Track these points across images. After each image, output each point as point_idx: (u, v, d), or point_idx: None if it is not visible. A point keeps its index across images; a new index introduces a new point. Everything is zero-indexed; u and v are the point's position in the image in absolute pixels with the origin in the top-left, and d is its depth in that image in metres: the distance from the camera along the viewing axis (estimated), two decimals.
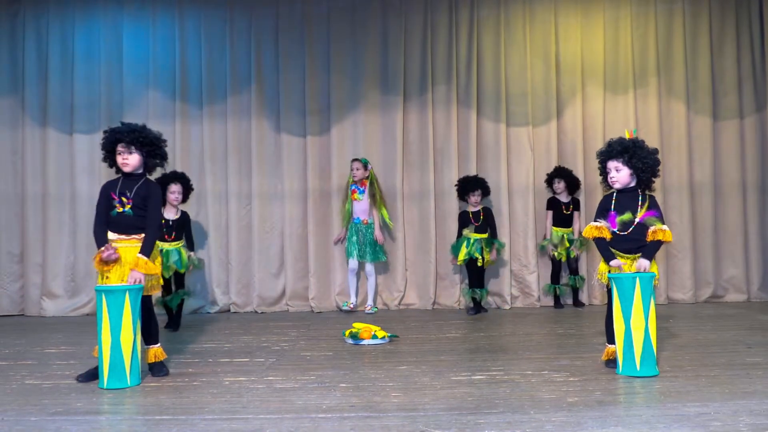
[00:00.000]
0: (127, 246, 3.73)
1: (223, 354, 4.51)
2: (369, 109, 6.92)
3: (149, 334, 3.88)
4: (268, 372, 3.90)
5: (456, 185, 6.58)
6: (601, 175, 3.93)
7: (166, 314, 5.73)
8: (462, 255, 6.31)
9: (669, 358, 4.03)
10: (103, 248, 3.69)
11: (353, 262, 6.57)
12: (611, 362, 3.79)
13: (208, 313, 6.67)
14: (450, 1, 6.99)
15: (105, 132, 3.86)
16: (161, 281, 3.91)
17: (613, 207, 3.82)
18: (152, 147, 3.80)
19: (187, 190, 5.79)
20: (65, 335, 5.46)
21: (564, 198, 6.70)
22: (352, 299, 6.62)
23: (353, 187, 6.59)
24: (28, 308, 6.78)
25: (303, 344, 4.86)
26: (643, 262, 3.69)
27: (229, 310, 6.81)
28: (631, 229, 3.75)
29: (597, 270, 4.01)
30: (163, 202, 5.48)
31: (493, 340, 4.94)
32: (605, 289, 3.96)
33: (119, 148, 3.78)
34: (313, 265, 6.80)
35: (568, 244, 6.59)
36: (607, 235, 3.78)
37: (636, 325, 3.55)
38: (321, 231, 6.84)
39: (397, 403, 3.14)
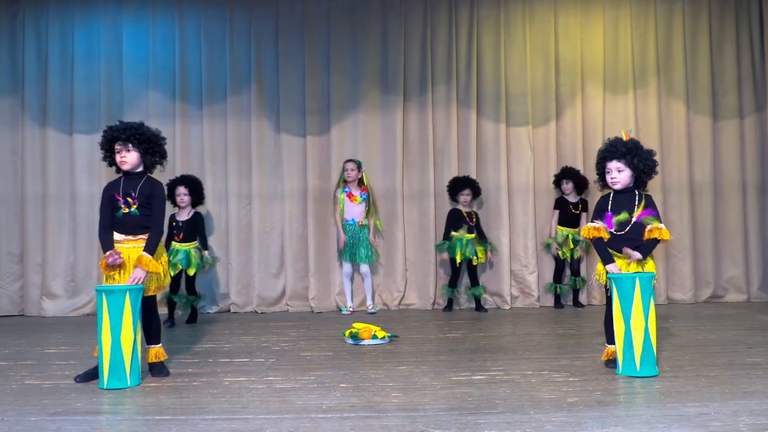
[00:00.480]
0: (134, 246, 3.73)
1: (223, 354, 4.51)
2: (369, 109, 6.92)
3: (151, 334, 3.88)
4: (268, 372, 3.90)
5: (447, 185, 6.67)
6: (598, 174, 3.93)
7: (167, 310, 5.97)
8: (459, 256, 6.42)
9: (669, 358, 4.04)
10: (107, 253, 3.69)
11: (348, 266, 6.57)
12: (611, 362, 3.79)
13: (208, 313, 6.67)
14: (450, 1, 6.99)
15: (104, 131, 3.85)
16: (167, 280, 3.89)
17: (610, 207, 3.82)
18: (150, 144, 3.78)
19: (196, 192, 6.01)
20: (65, 335, 5.46)
21: (572, 198, 6.71)
22: (349, 303, 6.61)
23: (348, 190, 6.57)
24: (28, 308, 6.78)
25: (303, 344, 4.86)
26: (637, 254, 3.68)
27: (229, 310, 6.81)
28: (628, 228, 3.75)
29: (595, 270, 4.01)
30: (174, 203, 5.88)
31: (493, 340, 4.94)
32: (603, 290, 3.95)
33: (117, 146, 3.76)
34: (313, 265, 6.80)
35: (573, 245, 6.59)
36: (605, 236, 3.79)
37: (636, 325, 3.55)
38: (321, 231, 6.84)
39: (397, 403, 3.13)
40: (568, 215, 6.68)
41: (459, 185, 6.57)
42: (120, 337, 3.49)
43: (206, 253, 6.04)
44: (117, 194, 3.76)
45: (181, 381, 3.69)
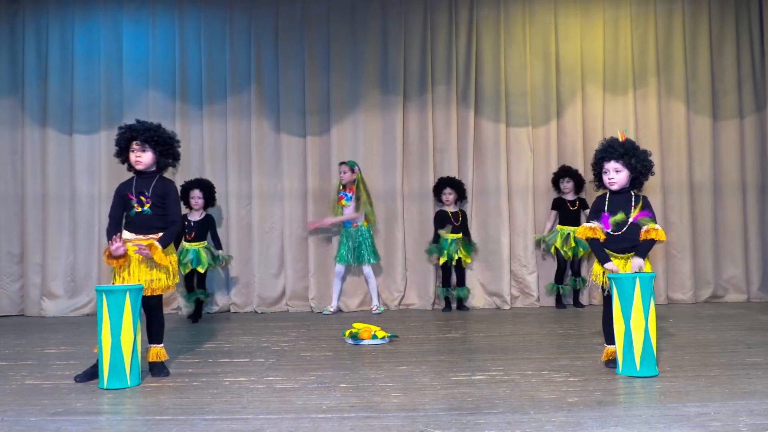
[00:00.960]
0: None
1: (223, 354, 4.51)
2: (369, 109, 6.92)
3: (153, 333, 3.89)
4: (268, 372, 3.90)
5: (432, 187, 6.77)
6: (594, 174, 3.93)
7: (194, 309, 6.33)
8: (444, 257, 6.52)
9: (669, 358, 4.04)
10: (110, 241, 3.68)
11: (340, 267, 6.57)
12: (611, 362, 3.80)
13: (208, 313, 6.67)
14: (450, 1, 6.99)
15: (120, 128, 3.86)
16: (176, 280, 3.88)
17: (606, 208, 3.82)
18: (166, 146, 3.81)
19: (210, 196, 6.34)
20: (65, 335, 5.46)
21: (570, 197, 6.73)
22: (334, 303, 6.61)
23: (341, 194, 6.58)
24: (28, 308, 6.79)
25: (303, 344, 4.86)
26: (637, 261, 3.69)
27: (229, 310, 6.81)
28: (624, 229, 3.75)
29: (592, 271, 4.01)
30: (187, 205, 6.15)
31: (493, 340, 4.94)
32: (600, 290, 3.95)
33: (134, 145, 3.78)
34: (313, 266, 6.80)
35: (573, 244, 6.59)
36: (601, 236, 3.79)
37: (636, 325, 3.55)
38: (321, 231, 6.83)
39: (397, 403, 3.14)
40: (567, 214, 6.69)
41: (441, 185, 6.67)
42: (120, 337, 3.49)
43: (221, 251, 6.33)
44: (130, 193, 3.77)
45: (181, 381, 3.69)
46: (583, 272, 6.78)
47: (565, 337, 5.05)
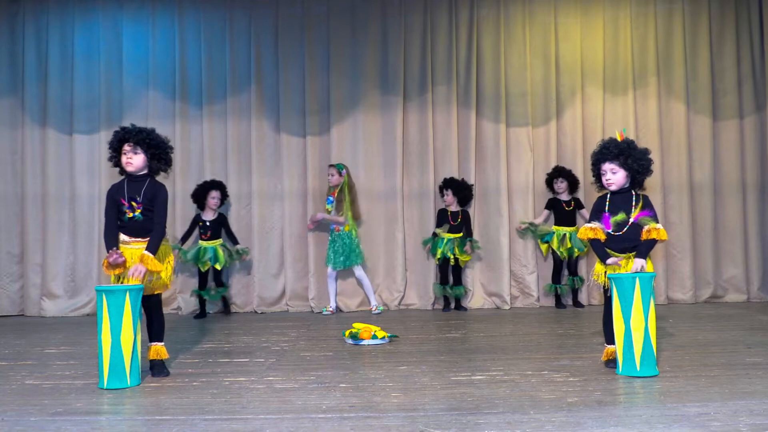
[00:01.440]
0: (140, 248, 3.74)
1: (223, 354, 4.51)
2: (369, 109, 6.92)
3: (154, 332, 3.89)
4: (268, 372, 3.90)
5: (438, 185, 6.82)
6: (594, 176, 3.93)
7: (199, 306, 6.54)
8: (438, 255, 6.56)
9: (669, 358, 4.04)
10: (109, 252, 3.70)
11: (331, 269, 6.57)
12: (611, 362, 3.80)
13: (209, 313, 6.66)
14: (450, 1, 6.99)
15: (115, 131, 3.87)
16: (171, 278, 3.91)
17: (607, 208, 3.82)
18: (158, 150, 3.82)
19: (225, 194, 6.58)
20: (65, 335, 5.46)
21: (565, 197, 6.73)
22: (332, 304, 6.62)
23: (328, 198, 6.59)
24: (28, 308, 6.78)
25: (303, 344, 4.87)
26: (639, 261, 3.69)
27: (229, 310, 6.81)
28: (625, 229, 3.75)
29: (593, 271, 4.01)
30: (203, 206, 6.46)
31: (493, 340, 4.94)
32: (602, 290, 3.95)
33: (125, 147, 3.79)
34: (313, 266, 6.80)
35: (569, 244, 6.59)
36: (602, 237, 3.79)
37: (636, 325, 3.55)
38: (321, 231, 6.83)
39: (397, 403, 3.14)
40: (562, 214, 6.70)
41: (443, 185, 6.72)
42: (120, 337, 3.49)
43: (239, 246, 6.55)
44: (123, 199, 3.78)
45: (181, 381, 3.69)
46: (581, 271, 6.79)
47: (564, 337, 5.05)
